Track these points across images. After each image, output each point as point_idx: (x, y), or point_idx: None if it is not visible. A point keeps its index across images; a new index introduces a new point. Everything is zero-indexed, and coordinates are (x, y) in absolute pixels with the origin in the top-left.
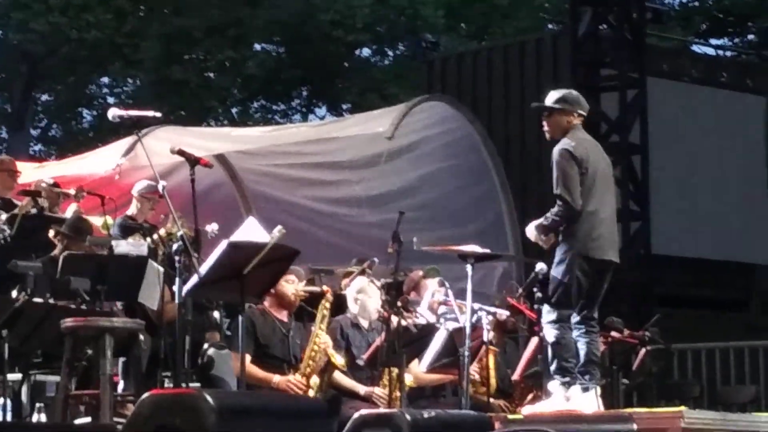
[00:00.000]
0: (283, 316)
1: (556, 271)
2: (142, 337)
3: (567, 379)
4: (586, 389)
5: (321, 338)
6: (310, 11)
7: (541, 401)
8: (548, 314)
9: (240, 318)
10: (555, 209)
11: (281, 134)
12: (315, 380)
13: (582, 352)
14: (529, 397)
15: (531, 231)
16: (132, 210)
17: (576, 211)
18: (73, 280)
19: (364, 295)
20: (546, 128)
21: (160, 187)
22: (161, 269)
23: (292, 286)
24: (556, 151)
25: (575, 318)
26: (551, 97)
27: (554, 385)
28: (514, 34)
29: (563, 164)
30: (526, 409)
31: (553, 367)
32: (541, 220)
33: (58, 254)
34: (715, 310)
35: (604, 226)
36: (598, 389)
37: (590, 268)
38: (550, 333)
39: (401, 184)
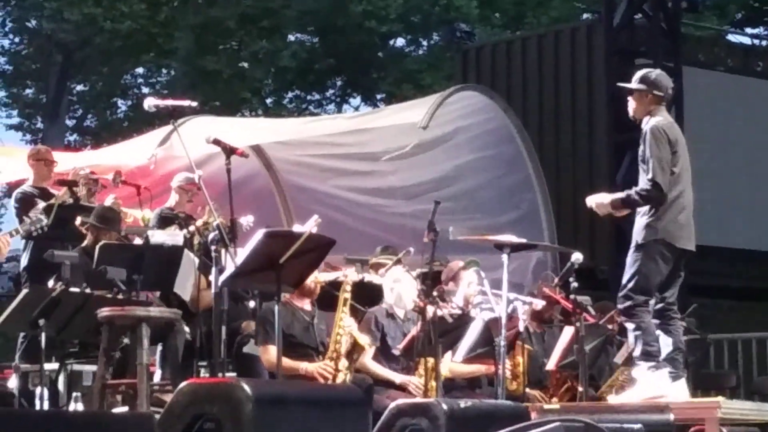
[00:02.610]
0: (304, 304)
1: (635, 257)
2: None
3: (653, 363)
4: (676, 377)
5: (344, 321)
6: (342, 1)
7: (625, 390)
8: (624, 300)
9: (276, 308)
10: (642, 187)
11: (317, 126)
12: (344, 363)
13: (669, 341)
14: (566, 388)
15: (600, 200)
16: (171, 201)
17: (664, 195)
18: (109, 270)
19: (400, 285)
20: (629, 108)
21: (196, 177)
22: (196, 259)
23: (314, 275)
24: (649, 128)
25: (657, 306)
26: (635, 77)
27: (639, 371)
28: (548, 23)
29: (656, 143)
30: (613, 398)
31: (636, 353)
32: (621, 195)
33: (90, 245)
34: (752, 300)
35: (687, 213)
36: (685, 377)
37: (672, 255)
38: (628, 319)
39: (436, 174)
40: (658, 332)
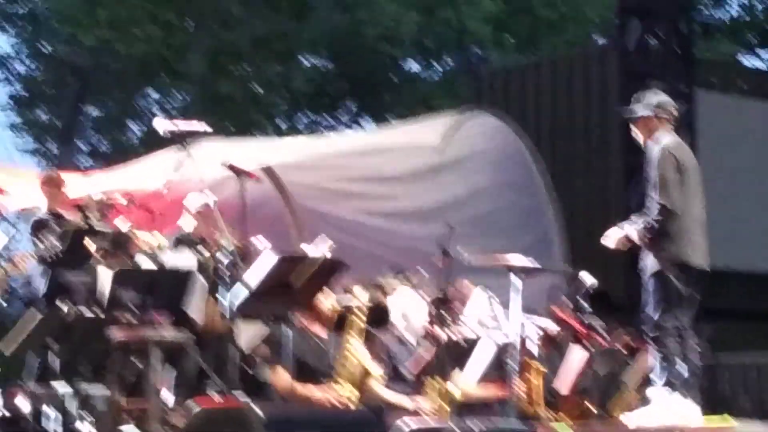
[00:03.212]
0: (320, 330)
1: (656, 284)
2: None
3: (669, 389)
4: (690, 400)
5: (352, 345)
6: (356, 25)
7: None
8: (654, 330)
9: (290, 333)
10: (656, 214)
11: (329, 142)
12: (355, 392)
13: (684, 365)
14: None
15: (615, 235)
16: (188, 225)
17: (676, 216)
18: (123, 294)
19: (410, 308)
20: (635, 133)
21: (211, 202)
22: (205, 283)
23: (329, 300)
24: (656, 150)
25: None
26: (637, 102)
27: (654, 391)
28: (561, 46)
29: (664, 165)
30: (626, 417)
31: (659, 381)
32: (640, 226)
33: (103, 268)
34: (763, 323)
35: (701, 233)
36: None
37: (686, 275)
38: (658, 348)
39: (449, 198)
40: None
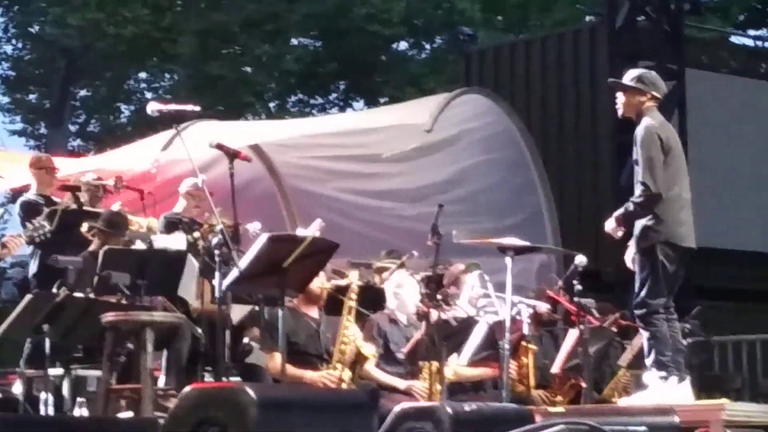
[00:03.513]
0: (311, 311)
1: (642, 263)
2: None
3: (664, 373)
4: (681, 380)
5: (349, 330)
6: (346, 5)
7: (629, 392)
8: (640, 308)
9: (279, 313)
10: (637, 195)
11: (320, 122)
12: (347, 373)
13: (670, 343)
14: (569, 389)
15: (610, 226)
16: (178, 207)
17: (658, 196)
18: (113, 275)
19: (403, 290)
20: (618, 105)
21: (199, 181)
22: (196, 264)
23: (318, 280)
24: (641, 129)
25: None
26: (629, 75)
27: (650, 377)
28: (551, 26)
29: (648, 145)
30: (622, 401)
31: (649, 361)
32: (621, 210)
33: (96, 249)
34: (756, 302)
35: (687, 212)
36: (688, 378)
37: (674, 254)
38: (644, 327)
39: (440, 177)
40: None
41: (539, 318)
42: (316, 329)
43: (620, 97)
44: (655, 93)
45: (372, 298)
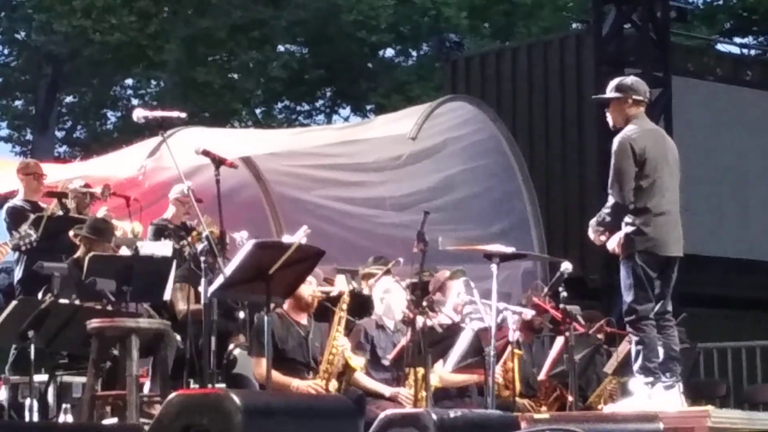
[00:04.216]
0: (301, 318)
1: (624, 271)
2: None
3: (650, 379)
4: (668, 387)
5: (338, 341)
6: (333, 11)
7: (615, 399)
8: (628, 314)
9: (265, 319)
10: (607, 205)
11: (307, 137)
12: (334, 384)
13: (660, 350)
14: (555, 395)
15: (590, 232)
16: (168, 213)
17: (623, 208)
18: (98, 282)
19: (390, 296)
20: (609, 118)
21: (185, 188)
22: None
23: (309, 287)
24: (615, 139)
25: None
26: (608, 87)
27: (636, 383)
28: (537, 33)
29: (619, 156)
30: (608, 408)
31: (636, 367)
32: (595, 219)
33: (81, 256)
34: (741, 309)
35: (666, 222)
36: (680, 386)
37: (657, 264)
38: (633, 333)
39: (426, 185)
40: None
41: (530, 325)
42: (304, 337)
43: (608, 113)
44: (635, 96)
45: (359, 305)
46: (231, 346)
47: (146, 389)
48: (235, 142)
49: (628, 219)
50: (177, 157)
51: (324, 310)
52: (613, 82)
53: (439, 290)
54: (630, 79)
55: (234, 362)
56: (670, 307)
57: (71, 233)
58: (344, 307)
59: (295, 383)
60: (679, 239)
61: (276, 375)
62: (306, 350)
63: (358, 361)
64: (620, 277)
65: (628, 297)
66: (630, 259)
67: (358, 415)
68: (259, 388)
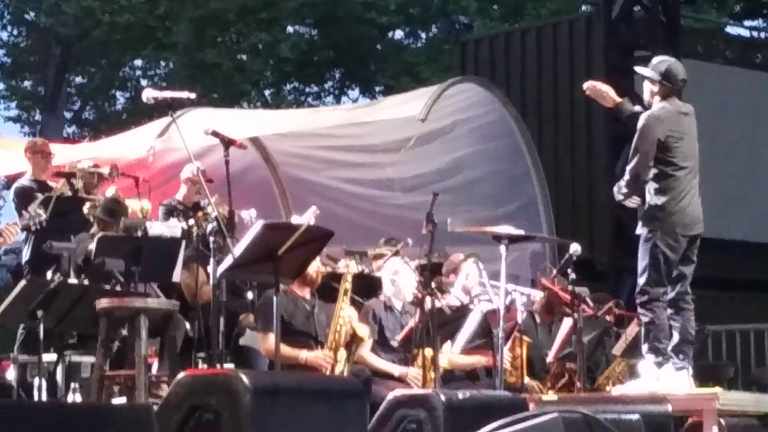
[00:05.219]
0: (305, 293)
1: (643, 250)
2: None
3: (659, 359)
4: (679, 369)
5: (344, 312)
6: None
7: (623, 381)
8: (640, 295)
9: (274, 300)
10: (625, 177)
11: (315, 118)
12: (342, 353)
13: (676, 332)
14: (564, 380)
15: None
16: (179, 194)
17: (640, 185)
18: (107, 261)
19: (400, 276)
20: (645, 91)
21: (195, 168)
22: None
23: (315, 263)
24: (641, 118)
25: (669, 296)
26: (651, 63)
27: (645, 364)
28: (547, 15)
29: (642, 133)
30: (616, 389)
31: (645, 347)
32: (615, 188)
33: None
34: (750, 292)
35: (688, 200)
36: (690, 369)
37: (679, 244)
38: (643, 313)
39: (435, 167)
40: (670, 323)
41: (551, 307)
42: (309, 310)
43: (645, 85)
44: (668, 84)
45: (367, 286)
46: (238, 328)
47: (154, 369)
48: (244, 122)
49: (650, 197)
50: (186, 138)
51: (329, 290)
52: (654, 60)
53: (453, 272)
54: (667, 64)
55: (242, 334)
56: (689, 289)
57: (86, 209)
58: (348, 279)
59: (303, 354)
60: (700, 217)
61: (284, 348)
62: (312, 323)
63: (364, 331)
64: (639, 254)
65: (641, 278)
66: (650, 239)
67: (366, 395)
68: (268, 364)
